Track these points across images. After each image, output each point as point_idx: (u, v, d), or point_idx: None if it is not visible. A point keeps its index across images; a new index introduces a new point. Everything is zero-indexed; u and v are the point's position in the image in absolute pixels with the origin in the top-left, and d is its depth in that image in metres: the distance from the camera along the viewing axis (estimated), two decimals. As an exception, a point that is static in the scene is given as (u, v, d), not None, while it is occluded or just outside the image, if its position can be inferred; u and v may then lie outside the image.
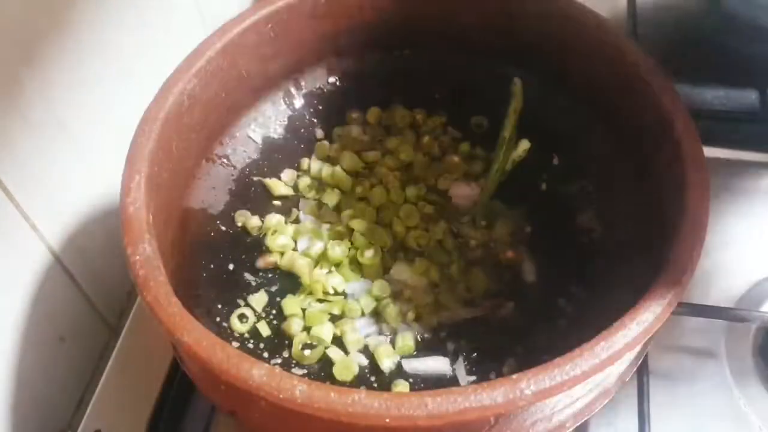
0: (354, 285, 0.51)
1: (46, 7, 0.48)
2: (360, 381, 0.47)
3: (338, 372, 0.46)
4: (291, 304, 0.50)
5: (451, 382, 0.46)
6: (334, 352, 0.48)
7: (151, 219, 0.40)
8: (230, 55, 0.50)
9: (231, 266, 0.52)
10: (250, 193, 0.56)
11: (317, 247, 0.52)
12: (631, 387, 0.48)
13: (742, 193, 0.62)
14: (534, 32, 0.53)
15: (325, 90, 0.59)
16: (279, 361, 0.48)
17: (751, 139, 0.65)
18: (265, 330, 0.49)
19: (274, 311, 0.50)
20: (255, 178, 0.56)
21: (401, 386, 0.46)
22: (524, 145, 0.54)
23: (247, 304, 0.50)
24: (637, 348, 0.35)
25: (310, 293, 0.50)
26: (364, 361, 0.48)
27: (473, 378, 0.46)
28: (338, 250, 0.51)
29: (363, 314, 0.50)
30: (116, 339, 0.54)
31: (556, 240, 0.52)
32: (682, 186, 0.40)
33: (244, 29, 0.50)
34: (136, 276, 0.37)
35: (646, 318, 0.34)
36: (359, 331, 0.49)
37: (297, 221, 0.55)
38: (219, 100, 0.51)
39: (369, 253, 0.51)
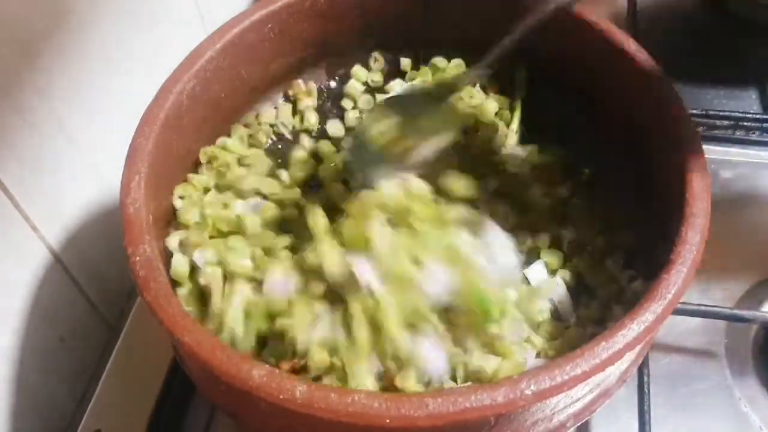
0: None
1: (46, 7, 0.48)
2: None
3: None
4: None
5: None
6: None
7: (151, 219, 0.40)
8: (230, 55, 0.50)
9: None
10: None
11: None
12: (631, 387, 0.48)
13: (743, 193, 0.62)
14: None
15: (326, 90, 0.59)
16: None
17: (751, 139, 0.65)
18: None
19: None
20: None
21: None
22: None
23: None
24: (638, 348, 0.35)
25: None
26: None
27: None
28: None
29: None
30: (116, 339, 0.54)
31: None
32: (683, 186, 0.40)
33: (243, 29, 0.50)
34: (136, 276, 0.37)
35: (646, 318, 0.34)
36: None
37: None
38: (219, 100, 0.51)
39: None
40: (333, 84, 0.59)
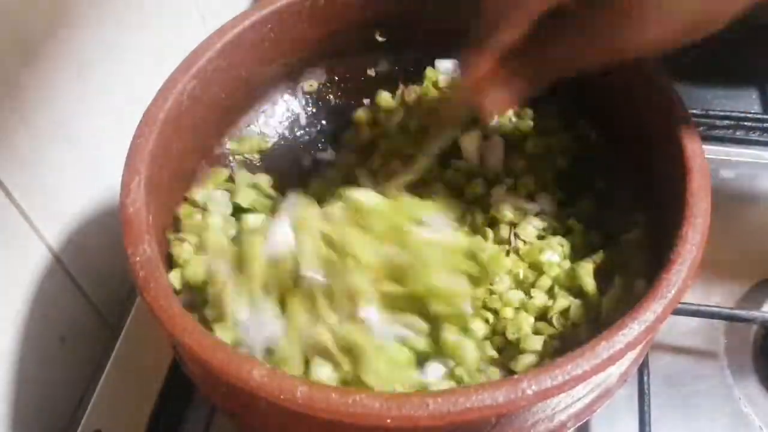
0: None
1: (46, 7, 0.48)
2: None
3: None
4: None
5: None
6: None
7: (151, 219, 0.40)
8: (230, 55, 0.49)
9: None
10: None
11: None
12: (632, 387, 0.48)
13: (743, 193, 0.62)
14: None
15: (326, 90, 0.59)
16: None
17: (751, 139, 0.65)
18: None
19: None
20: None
21: None
22: None
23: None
24: (639, 347, 0.35)
25: None
26: None
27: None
28: None
29: None
30: (116, 339, 0.54)
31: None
32: (683, 187, 0.40)
33: (243, 30, 0.50)
34: (136, 277, 0.37)
35: (647, 317, 0.34)
36: None
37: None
38: (219, 100, 0.51)
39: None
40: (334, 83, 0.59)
